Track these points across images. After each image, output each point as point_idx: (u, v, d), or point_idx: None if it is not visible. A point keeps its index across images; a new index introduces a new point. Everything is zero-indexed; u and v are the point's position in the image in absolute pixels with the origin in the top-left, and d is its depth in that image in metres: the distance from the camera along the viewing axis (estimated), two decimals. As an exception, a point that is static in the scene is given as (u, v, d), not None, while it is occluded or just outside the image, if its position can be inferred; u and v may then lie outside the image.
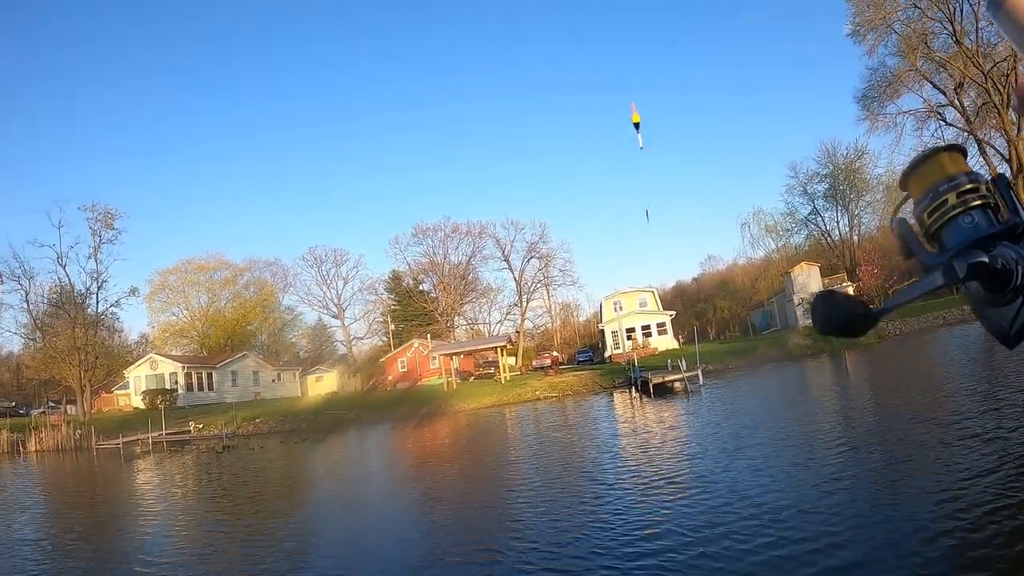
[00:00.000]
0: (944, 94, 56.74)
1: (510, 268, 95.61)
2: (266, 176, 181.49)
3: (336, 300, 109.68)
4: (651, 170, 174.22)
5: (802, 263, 69.50)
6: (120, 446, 43.27)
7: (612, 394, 44.11)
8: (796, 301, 64.65)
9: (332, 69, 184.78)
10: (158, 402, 60.61)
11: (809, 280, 65.83)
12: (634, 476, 15.18)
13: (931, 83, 56.82)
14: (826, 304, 1.27)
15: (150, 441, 44.34)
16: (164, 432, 46.33)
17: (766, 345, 52.68)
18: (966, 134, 54.25)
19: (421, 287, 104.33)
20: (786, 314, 70.96)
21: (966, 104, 54.81)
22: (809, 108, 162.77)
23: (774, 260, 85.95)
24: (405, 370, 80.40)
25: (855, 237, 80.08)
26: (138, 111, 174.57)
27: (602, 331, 77.86)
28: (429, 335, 79.73)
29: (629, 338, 70.87)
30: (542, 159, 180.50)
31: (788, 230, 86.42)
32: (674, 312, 76.20)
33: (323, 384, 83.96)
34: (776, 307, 76.81)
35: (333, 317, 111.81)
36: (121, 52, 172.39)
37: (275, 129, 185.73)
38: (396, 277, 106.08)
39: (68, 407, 71.30)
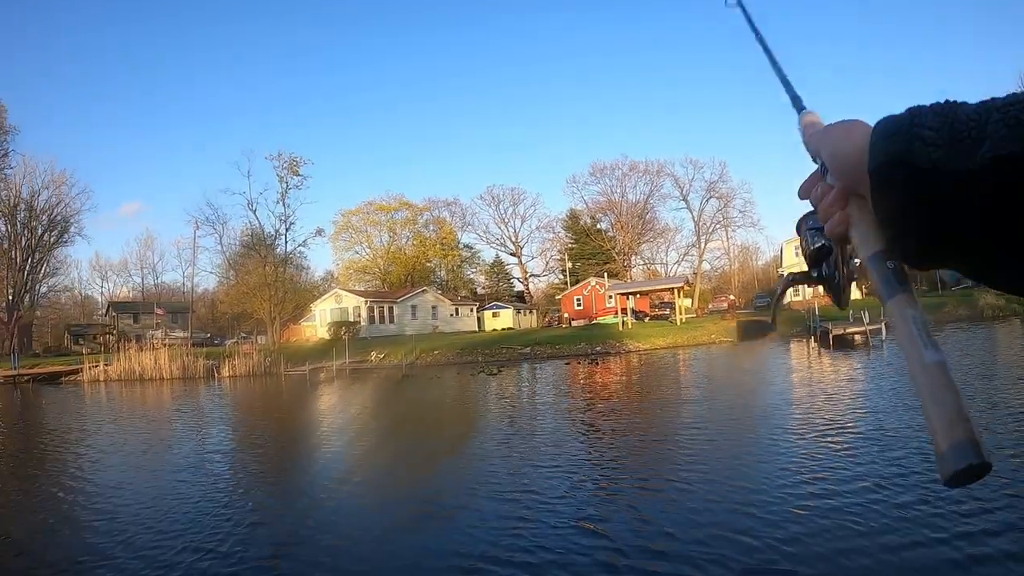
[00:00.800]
0: None
1: (688, 208, 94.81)
2: (445, 119, 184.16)
3: (513, 238, 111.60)
4: (838, 103, 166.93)
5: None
6: (306, 372, 45.46)
7: (789, 343, 43.59)
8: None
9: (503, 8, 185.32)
10: (342, 333, 63.07)
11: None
12: (806, 425, 15.06)
13: None
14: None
15: (334, 368, 46.41)
16: (347, 360, 48.64)
17: (955, 302, 50.38)
18: None
19: (598, 226, 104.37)
20: (982, 271, 67.78)
21: None
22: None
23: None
24: (581, 308, 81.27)
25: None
26: (316, 62, 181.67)
27: (782, 276, 75.95)
28: (605, 274, 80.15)
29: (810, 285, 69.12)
30: (722, 95, 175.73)
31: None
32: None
33: (500, 320, 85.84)
34: (971, 262, 73.38)
35: (511, 255, 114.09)
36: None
37: (452, 73, 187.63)
38: (573, 216, 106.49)
39: (258, 338, 75.49)
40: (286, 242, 75.21)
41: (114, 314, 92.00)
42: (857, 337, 38.01)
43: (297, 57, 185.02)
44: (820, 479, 10.39)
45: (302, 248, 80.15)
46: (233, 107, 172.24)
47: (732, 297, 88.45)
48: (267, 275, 68.53)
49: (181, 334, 77.00)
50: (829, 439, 13.38)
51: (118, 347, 57.12)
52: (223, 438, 21.09)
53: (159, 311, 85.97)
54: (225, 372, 49.59)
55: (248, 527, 9.93)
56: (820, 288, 0.99)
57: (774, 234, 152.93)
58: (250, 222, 76.02)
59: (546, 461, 13.51)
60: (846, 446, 12.58)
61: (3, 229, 79.43)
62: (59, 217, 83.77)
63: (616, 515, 9.66)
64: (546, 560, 7.76)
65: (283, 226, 74.15)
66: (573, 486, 11.40)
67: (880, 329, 36.52)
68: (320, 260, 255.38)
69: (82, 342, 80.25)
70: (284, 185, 72.84)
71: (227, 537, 9.32)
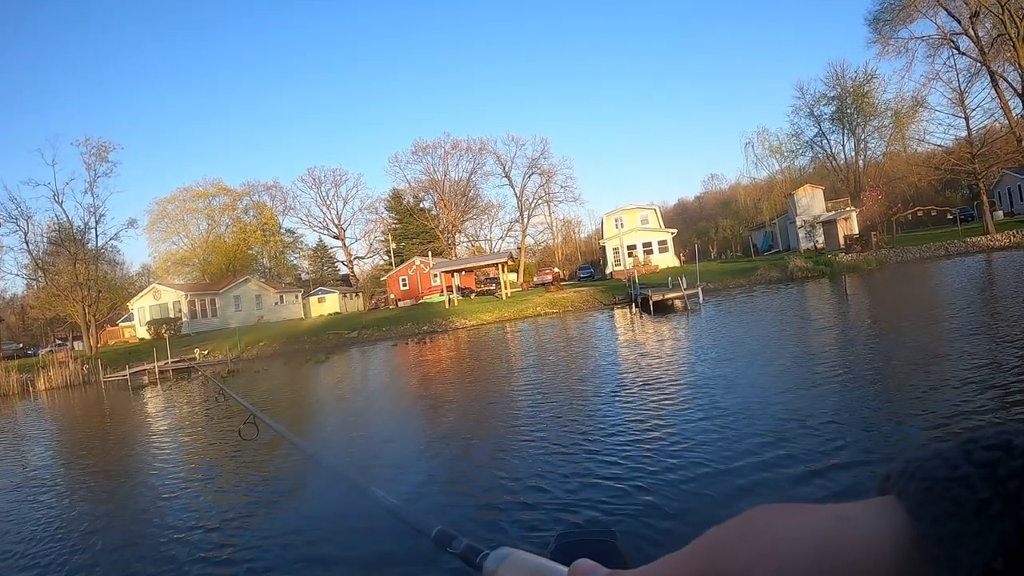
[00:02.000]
0: (959, 22, 54.79)
1: (511, 184, 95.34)
2: (263, 100, 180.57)
3: (336, 220, 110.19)
4: (655, 88, 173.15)
5: (806, 185, 69.02)
6: (127, 377, 43.28)
7: (612, 310, 44.40)
8: (799, 223, 64.45)
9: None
10: (163, 331, 61.38)
11: (813, 202, 65.59)
12: (624, 387, 15.42)
13: (946, 10, 54.85)
14: None
15: (156, 370, 44.37)
16: (169, 361, 46.56)
17: (767, 266, 52.66)
18: (979, 64, 53.28)
19: (422, 205, 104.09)
20: (788, 236, 70.98)
21: (981, 34, 53.38)
22: (819, 29, 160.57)
23: (778, 181, 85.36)
24: (407, 288, 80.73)
25: (860, 162, 78.98)
26: (126, 41, 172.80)
27: (603, 248, 77.88)
28: (430, 253, 79.68)
29: (630, 255, 70.89)
30: (543, 74, 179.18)
31: (793, 151, 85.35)
32: (676, 230, 76.23)
33: (326, 305, 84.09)
34: (779, 228, 76.72)
35: (334, 238, 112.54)
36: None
37: (270, 53, 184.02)
38: (396, 195, 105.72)
39: (75, 343, 72.12)
40: (97, 236, 71.12)
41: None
42: (676, 302, 39.02)
43: (101, 34, 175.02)
44: (646, 431, 10.85)
45: (114, 242, 77.23)
46: (33, 91, 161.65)
47: (556, 270, 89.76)
48: (78, 273, 64.72)
49: (-10, 347, 71.83)
50: (650, 391, 14.15)
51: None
52: (40, 459, 19.20)
53: (-35, 324, 79.94)
54: (41, 385, 47.09)
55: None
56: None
57: (595, 207, 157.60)
58: (57, 216, 71.16)
59: (381, 445, 13.60)
60: (667, 398, 13.22)
61: None
62: None
63: (448, 481, 10.13)
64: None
65: (93, 219, 70.19)
66: (421, 461, 11.76)
67: (697, 293, 37.64)
68: (135, 254, 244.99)
69: None
70: (92, 173, 68.97)
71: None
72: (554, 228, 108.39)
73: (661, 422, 11.38)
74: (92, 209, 69.90)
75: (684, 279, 39.07)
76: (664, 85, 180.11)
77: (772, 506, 0.47)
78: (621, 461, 9.43)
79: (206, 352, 50.50)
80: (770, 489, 7.61)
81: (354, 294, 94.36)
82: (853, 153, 79.63)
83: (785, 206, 73.09)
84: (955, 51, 55.20)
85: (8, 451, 21.57)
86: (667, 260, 70.52)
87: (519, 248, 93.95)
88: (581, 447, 10.59)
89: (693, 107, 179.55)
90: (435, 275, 73.30)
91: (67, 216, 70.38)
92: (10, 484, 15.33)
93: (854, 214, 61.43)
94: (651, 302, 38.83)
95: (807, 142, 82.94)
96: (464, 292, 70.59)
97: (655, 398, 13.49)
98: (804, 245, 62.30)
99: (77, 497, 13.23)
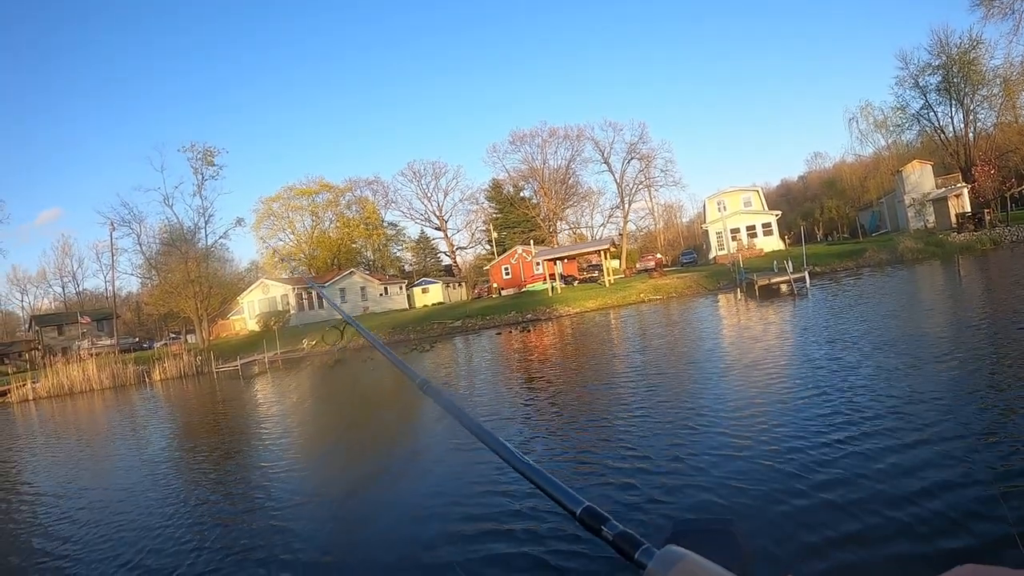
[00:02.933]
0: None
1: (610, 170, 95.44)
2: (361, 96, 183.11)
3: (437, 212, 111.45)
4: (753, 67, 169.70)
5: (914, 161, 66.59)
6: (239, 367, 44.96)
7: (717, 296, 43.97)
8: (908, 202, 62.70)
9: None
10: (272, 324, 63.24)
11: (922, 179, 63.48)
12: (735, 372, 15.49)
13: None
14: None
15: (266, 361, 46.11)
16: (279, 351, 48.38)
17: (875, 248, 51.34)
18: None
19: (521, 194, 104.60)
20: (896, 215, 68.94)
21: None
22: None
23: (884, 158, 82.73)
24: (509, 277, 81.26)
25: (970, 134, 76.06)
26: (225, 46, 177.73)
27: (706, 232, 77.22)
28: (532, 241, 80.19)
29: (734, 239, 70.16)
30: (639, 58, 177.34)
31: (899, 126, 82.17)
32: (779, 212, 74.70)
33: (430, 295, 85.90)
34: (886, 208, 74.57)
35: (436, 229, 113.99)
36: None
37: (365, 48, 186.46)
38: (496, 185, 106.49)
39: (188, 337, 74.86)
40: (206, 235, 74.22)
41: (37, 328, 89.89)
42: (782, 286, 38.64)
43: (200, 46, 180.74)
44: (759, 422, 10.55)
45: (223, 240, 79.95)
46: (140, 100, 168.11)
47: (659, 255, 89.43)
48: (190, 271, 67.25)
49: (108, 341, 75.28)
50: (762, 380, 13.80)
51: (44, 362, 55.85)
52: (159, 447, 20.27)
53: (83, 320, 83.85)
54: (156, 376, 48.89)
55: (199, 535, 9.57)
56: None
57: (696, 191, 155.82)
58: (167, 218, 74.89)
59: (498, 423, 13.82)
60: (781, 388, 12.86)
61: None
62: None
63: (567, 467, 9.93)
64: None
65: (202, 219, 73.20)
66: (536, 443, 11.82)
67: (804, 277, 37.19)
68: (244, 251, 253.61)
69: (7, 361, 77.80)
70: (199, 177, 71.86)
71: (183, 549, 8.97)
72: (655, 213, 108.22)
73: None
74: (201, 210, 73.22)
75: (790, 262, 38.53)
76: (762, 62, 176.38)
77: (980, 568, 0.45)
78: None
79: (313, 343, 51.90)
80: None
81: (457, 284, 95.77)
82: (962, 125, 76.67)
83: (892, 184, 70.72)
84: (1068, 8, 52.79)
85: (130, 430, 23.26)
86: (772, 243, 69.55)
87: (620, 234, 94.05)
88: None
89: (793, 84, 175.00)
90: (537, 263, 73.75)
91: (177, 218, 73.75)
92: (139, 461, 16.70)
93: (965, 191, 59.27)
94: (756, 287, 38.67)
95: (913, 115, 79.93)
96: (567, 280, 70.87)
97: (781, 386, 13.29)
98: (913, 225, 60.53)
99: (194, 475, 14.17)
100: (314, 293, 74.10)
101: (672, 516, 7.31)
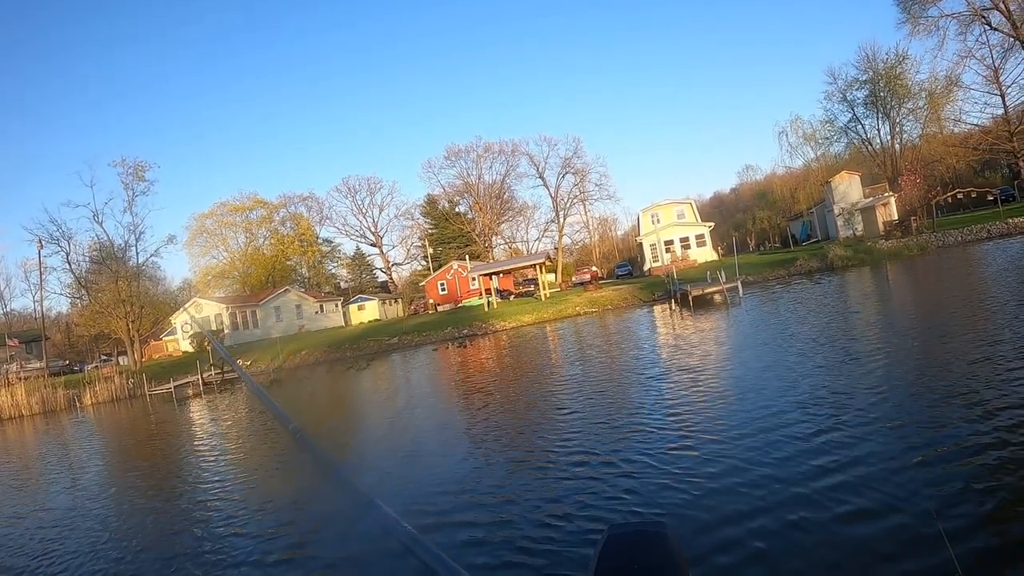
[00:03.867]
0: None
1: (545, 185, 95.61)
2: (294, 112, 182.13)
3: (373, 228, 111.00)
4: (685, 81, 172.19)
5: (843, 172, 67.85)
6: (172, 390, 43.71)
7: (652, 307, 44.19)
8: (837, 211, 63.73)
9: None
10: (205, 344, 61.98)
11: (850, 189, 64.61)
12: (670, 383, 15.32)
13: None
14: None
15: (200, 382, 44.72)
16: (213, 372, 47.04)
17: (806, 256, 52.03)
18: (1012, 39, 52.33)
19: (457, 209, 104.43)
20: (826, 224, 70.10)
21: (1012, 8, 52.38)
22: (847, 11, 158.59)
23: (813, 169, 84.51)
24: (445, 292, 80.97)
25: (897, 146, 77.93)
26: (156, 61, 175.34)
27: (640, 244, 77.61)
28: (467, 256, 79.88)
29: (668, 251, 70.62)
30: (572, 72, 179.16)
31: (827, 138, 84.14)
32: (712, 224, 75.45)
33: (366, 312, 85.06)
34: (816, 217, 75.78)
35: (371, 245, 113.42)
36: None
37: (295, 64, 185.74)
38: (431, 201, 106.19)
39: (120, 359, 72.78)
40: (137, 253, 71.82)
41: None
42: (716, 296, 38.96)
43: (132, 55, 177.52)
44: (690, 428, 10.88)
45: (155, 258, 78.01)
46: (69, 113, 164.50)
47: (594, 268, 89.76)
48: (120, 291, 65.49)
49: (37, 364, 72.87)
50: (696, 388, 14.04)
51: (-31, 388, 53.62)
52: (89, 474, 19.63)
53: (11, 342, 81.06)
54: (87, 400, 47.50)
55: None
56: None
57: (631, 204, 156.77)
58: (97, 235, 72.40)
59: (421, 446, 14.07)
60: (715, 396, 13.12)
61: None
62: None
63: (497, 481, 10.13)
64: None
65: (133, 236, 70.88)
66: (474, 459, 11.88)
67: (737, 287, 37.53)
68: (176, 269, 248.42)
69: (-71, 387, 75.21)
70: (130, 193, 69.80)
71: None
72: (590, 227, 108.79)
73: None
74: (132, 227, 70.72)
75: (723, 273, 38.95)
76: (694, 77, 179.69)
77: None
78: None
79: (248, 363, 50.82)
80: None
81: (393, 300, 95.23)
82: (889, 137, 78.53)
83: (822, 194, 72.03)
84: (987, 27, 54.31)
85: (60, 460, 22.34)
86: (705, 254, 70.16)
87: (556, 248, 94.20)
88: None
89: (724, 98, 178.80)
90: (473, 278, 73.59)
91: (107, 235, 71.50)
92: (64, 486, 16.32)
93: (892, 199, 60.50)
94: (691, 297, 38.78)
95: (841, 128, 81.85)
96: (503, 294, 70.73)
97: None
98: (843, 233, 61.56)
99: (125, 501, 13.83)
100: (248, 312, 73.13)
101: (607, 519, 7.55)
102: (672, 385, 14.76)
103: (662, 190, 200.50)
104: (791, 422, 10.08)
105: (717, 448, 9.45)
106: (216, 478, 14.48)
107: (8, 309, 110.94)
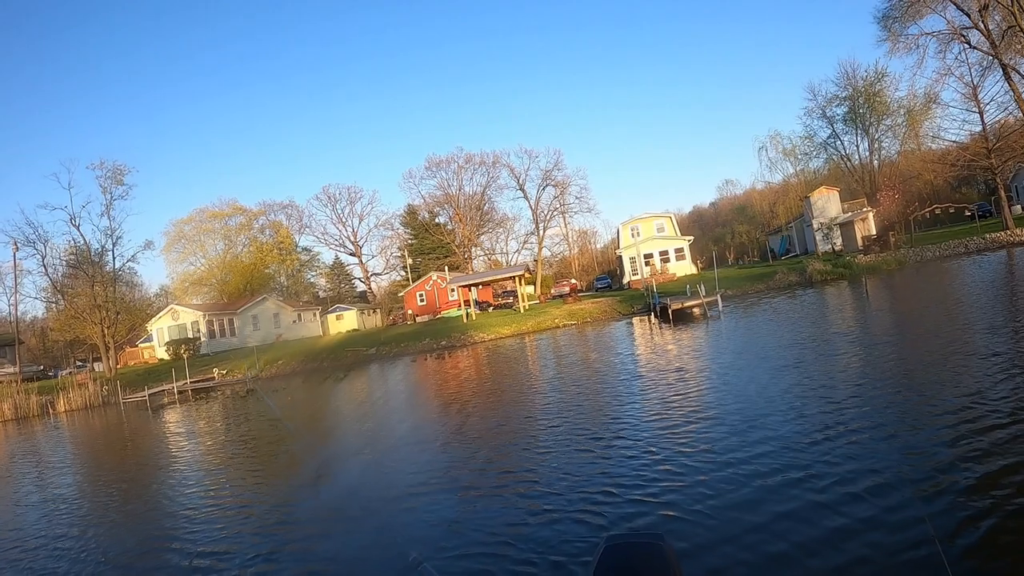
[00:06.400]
0: (968, 16, 53.89)
1: (525, 197, 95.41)
2: (275, 119, 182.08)
3: (352, 238, 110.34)
4: (665, 96, 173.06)
5: (821, 187, 68.32)
6: (146, 398, 43.45)
7: (631, 320, 44.20)
8: (816, 226, 64.02)
9: (335, 8, 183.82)
10: (182, 351, 61.83)
11: (829, 204, 64.99)
12: (649, 395, 15.41)
13: (955, 4, 54.05)
14: None
15: (175, 391, 44.46)
16: (188, 381, 46.62)
17: (785, 270, 52.21)
18: (991, 58, 52.70)
19: (437, 220, 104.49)
20: (805, 239, 70.52)
21: (991, 27, 52.72)
22: (828, 28, 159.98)
23: (792, 184, 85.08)
24: (424, 303, 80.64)
25: (875, 161, 78.64)
26: (137, 63, 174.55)
27: (620, 257, 77.73)
28: (447, 267, 79.81)
29: (647, 264, 70.57)
30: (554, 86, 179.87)
31: (806, 154, 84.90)
32: (692, 237, 75.72)
33: (344, 322, 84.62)
34: (795, 232, 76.24)
35: (350, 255, 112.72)
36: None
37: (279, 72, 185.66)
38: (411, 211, 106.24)
39: (95, 365, 72.39)
40: (114, 258, 71.14)
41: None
42: (695, 310, 38.91)
43: (113, 56, 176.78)
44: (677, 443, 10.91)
45: (132, 264, 77.15)
46: (49, 115, 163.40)
47: (574, 281, 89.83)
48: (96, 296, 64.88)
49: (11, 369, 72.15)
50: (677, 405, 13.90)
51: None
52: (61, 482, 19.36)
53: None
54: (61, 407, 46.64)
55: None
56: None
57: (610, 217, 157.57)
58: (74, 239, 71.64)
59: (397, 462, 13.68)
60: (696, 411, 13.14)
61: None
62: None
63: (480, 499, 9.96)
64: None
65: (110, 241, 70.14)
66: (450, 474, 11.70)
67: (716, 300, 37.50)
68: (153, 275, 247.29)
69: None
70: (108, 196, 69.13)
71: None
72: (570, 239, 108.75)
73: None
74: (109, 232, 70.04)
75: (702, 286, 38.87)
76: (674, 92, 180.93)
77: None
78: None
79: (224, 372, 50.44)
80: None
81: (372, 311, 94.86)
82: (868, 153, 79.34)
83: (801, 209, 72.47)
84: (966, 45, 54.50)
85: (30, 469, 21.93)
86: (684, 268, 70.25)
87: (536, 261, 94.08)
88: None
89: (704, 113, 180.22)
90: (452, 290, 73.33)
91: (84, 239, 70.37)
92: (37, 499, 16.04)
93: (871, 215, 60.85)
94: (670, 311, 38.59)
95: (821, 144, 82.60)
96: (482, 306, 70.61)
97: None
98: (822, 248, 61.90)
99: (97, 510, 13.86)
100: (225, 320, 72.70)
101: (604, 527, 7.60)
102: (651, 400, 14.65)
103: (642, 204, 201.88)
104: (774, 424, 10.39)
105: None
106: (189, 488, 14.39)
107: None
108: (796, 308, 32.57)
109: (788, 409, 11.90)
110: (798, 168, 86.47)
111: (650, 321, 40.60)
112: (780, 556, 6.38)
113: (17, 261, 70.09)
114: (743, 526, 7.13)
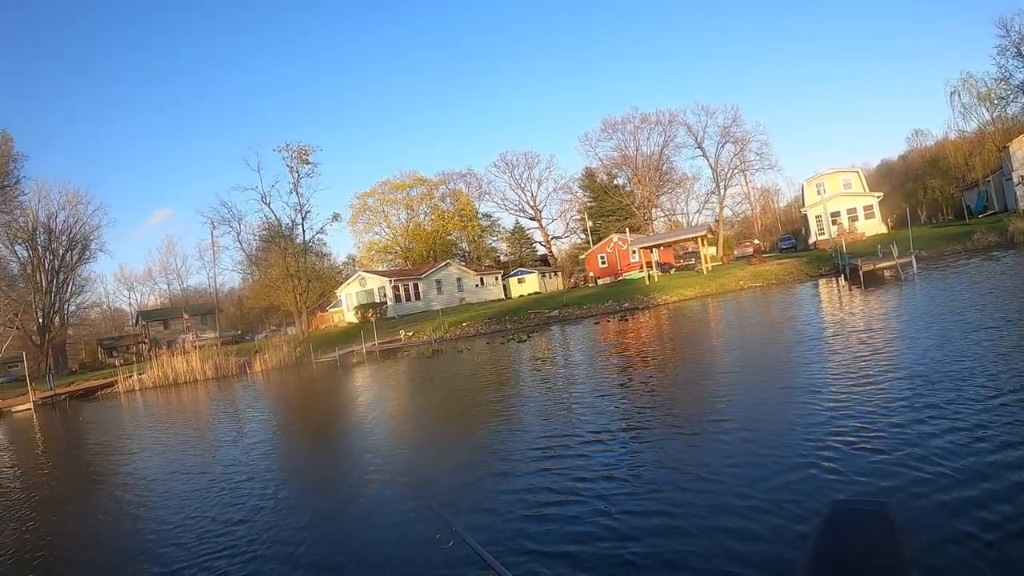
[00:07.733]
0: None
1: (704, 155, 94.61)
2: (450, 89, 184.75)
3: (531, 202, 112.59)
4: (846, 42, 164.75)
5: (1022, 136, 63.97)
6: (337, 358, 46.09)
7: (818, 282, 43.54)
8: (1016, 180, 60.28)
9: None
10: (369, 315, 65.13)
11: (1032, 155, 60.94)
12: (842, 374, 14.11)
13: None
14: None
15: (364, 351, 47.06)
16: (376, 342, 49.39)
17: (984, 230, 49.32)
18: None
19: (615, 182, 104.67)
20: (1005, 194, 66.45)
21: None
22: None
23: (989, 133, 79.66)
24: (605, 266, 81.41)
25: (1083, 102, 72.81)
26: (319, 45, 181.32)
27: (805, 216, 75.81)
28: (627, 229, 79.83)
29: (834, 223, 68.50)
30: (729, 38, 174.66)
31: (1003, 98, 78.85)
32: (881, 194, 72.26)
33: (526, 285, 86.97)
34: (993, 186, 71.98)
35: (530, 219, 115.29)
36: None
37: (449, 43, 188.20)
38: (589, 174, 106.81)
39: (288, 329, 77.13)
40: (304, 231, 77.12)
41: (144, 323, 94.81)
42: (887, 272, 37.53)
43: (290, 45, 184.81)
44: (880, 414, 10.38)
45: (320, 235, 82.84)
46: (236, 102, 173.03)
47: (756, 241, 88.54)
48: (288, 266, 69.88)
49: (211, 335, 78.53)
50: (878, 374, 13.28)
51: (150, 355, 58.84)
52: (260, 431, 21.66)
53: (187, 315, 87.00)
54: (257, 367, 50.28)
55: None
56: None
57: (793, 174, 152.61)
58: (265, 216, 77.47)
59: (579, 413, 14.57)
60: (900, 382, 12.40)
61: (25, 255, 79.69)
62: (78, 236, 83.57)
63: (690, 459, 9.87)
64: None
65: (299, 216, 76.00)
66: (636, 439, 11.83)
67: (911, 262, 36.15)
68: (341, 245, 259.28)
69: (115, 354, 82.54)
70: (295, 175, 74.20)
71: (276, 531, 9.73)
72: (752, 198, 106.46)
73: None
74: (298, 207, 76.07)
75: (895, 247, 37.03)
76: (855, 37, 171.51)
77: None
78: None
79: (411, 333, 52.70)
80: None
81: (553, 273, 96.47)
82: (1074, 93, 73.57)
83: (999, 161, 67.99)
84: None
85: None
86: (874, 226, 67.38)
87: (717, 220, 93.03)
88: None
89: (889, 58, 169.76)
90: (633, 251, 73.90)
91: (275, 215, 77.21)
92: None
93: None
94: (861, 273, 37.55)
95: (1017, 86, 76.90)
96: (663, 267, 70.83)
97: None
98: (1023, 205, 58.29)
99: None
100: (410, 285, 75.61)
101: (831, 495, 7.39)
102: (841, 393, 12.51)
103: (826, 159, 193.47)
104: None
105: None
106: (375, 438, 16.27)
107: (185, 285, 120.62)
108: (1000, 272, 30.13)
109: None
110: (994, 114, 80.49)
111: (839, 283, 39.92)
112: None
113: (214, 238, 75.83)
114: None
